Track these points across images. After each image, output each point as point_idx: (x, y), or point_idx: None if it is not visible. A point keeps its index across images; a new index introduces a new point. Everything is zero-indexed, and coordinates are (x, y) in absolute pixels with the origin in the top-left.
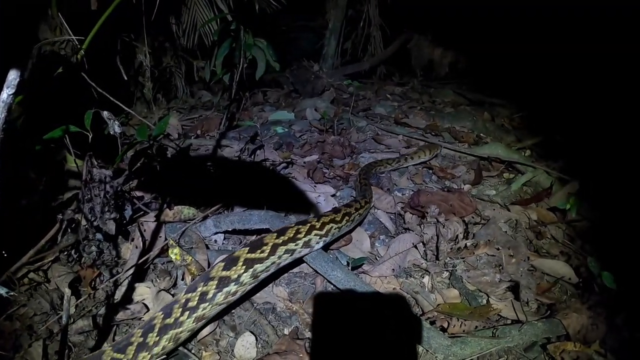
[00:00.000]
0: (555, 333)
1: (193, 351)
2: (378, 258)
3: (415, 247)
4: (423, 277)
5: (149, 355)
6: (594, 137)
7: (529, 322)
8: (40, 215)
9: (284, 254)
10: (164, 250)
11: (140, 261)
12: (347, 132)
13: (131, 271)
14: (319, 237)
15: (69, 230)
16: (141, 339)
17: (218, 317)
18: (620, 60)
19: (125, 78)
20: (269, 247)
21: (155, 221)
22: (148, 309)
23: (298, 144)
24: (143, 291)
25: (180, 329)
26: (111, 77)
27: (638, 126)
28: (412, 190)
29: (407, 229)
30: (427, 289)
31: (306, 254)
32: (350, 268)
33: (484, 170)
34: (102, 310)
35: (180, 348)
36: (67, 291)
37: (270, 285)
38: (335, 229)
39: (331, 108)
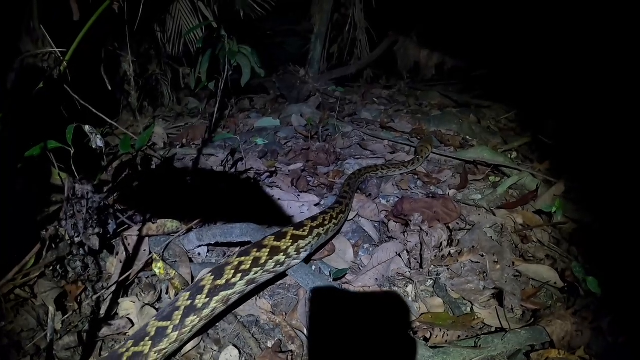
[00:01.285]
0: (539, 340)
1: None
2: (362, 268)
3: (399, 255)
4: (407, 286)
5: (198, 319)
6: (580, 137)
7: (513, 330)
8: (25, 230)
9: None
10: (149, 264)
11: (124, 276)
12: (333, 139)
13: (116, 286)
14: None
15: (54, 245)
16: (189, 302)
17: (202, 330)
18: (605, 61)
19: (110, 88)
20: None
21: (138, 235)
22: (133, 324)
23: (283, 151)
24: (128, 306)
25: (232, 291)
26: (96, 87)
27: (624, 127)
28: (397, 197)
29: (390, 238)
30: (410, 298)
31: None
32: (332, 279)
33: (470, 174)
34: (88, 326)
35: None
36: (52, 310)
37: (254, 297)
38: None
39: (317, 114)
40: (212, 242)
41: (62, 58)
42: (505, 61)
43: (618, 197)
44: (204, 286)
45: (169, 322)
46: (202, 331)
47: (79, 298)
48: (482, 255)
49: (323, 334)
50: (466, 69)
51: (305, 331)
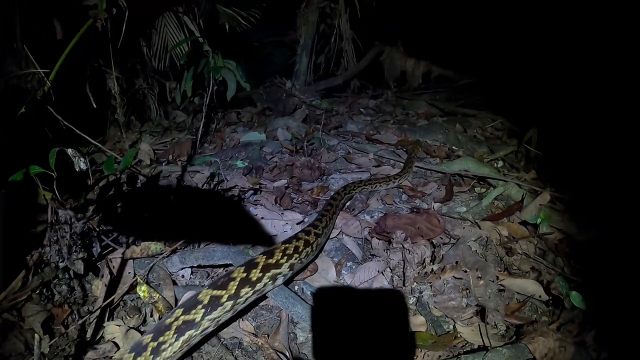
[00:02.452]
0: (521, 358)
1: None
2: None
3: (382, 273)
4: None
5: (252, 291)
6: (566, 146)
7: (494, 348)
8: (11, 252)
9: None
10: (133, 287)
11: (109, 300)
12: (318, 153)
13: (101, 310)
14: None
15: (39, 270)
16: (244, 274)
17: (186, 353)
18: (591, 70)
19: (95, 106)
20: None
21: (122, 258)
22: (118, 348)
23: (268, 167)
24: (113, 329)
25: (279, 270)
26: (81, 105)
27: (611, 136)
28: (382, 212)
29: (373, 256)
30: None
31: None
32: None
33: (455, 186)
34: (74, 350)
35: None
36: (37, 337)
37: (237, 319)
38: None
39: (303, 127)
40: (195, 265)
41: (45, 78)
42: (491, 70)
43: (604, 207)
44: (258, 262)
45: (224, 291)
46: (187, 354)
47: (65, 321)
48: (466, 271)
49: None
50: (453, 78)
51: (287, 354)
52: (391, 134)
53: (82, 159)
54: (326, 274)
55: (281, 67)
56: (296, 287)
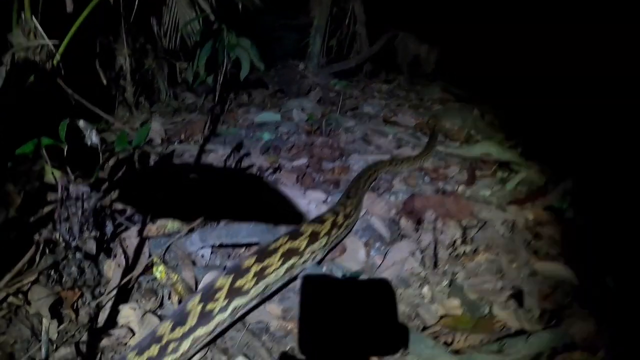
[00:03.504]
0: (561, 342)
1: None
2: (375, 268)
3: (412, 255)
4: (422, 287)
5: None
6: (587, 134)
7: (535, 332)
8: (17, 233)
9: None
10: (149, 268)
11: (123, 281)
12: (336, 133)
13: (114, 292)
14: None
15: (47, 250)
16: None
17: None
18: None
19: (105, 82)
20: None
21: (137, 236)
22: (134, 333)
23: (285, 147)
24: (127, 313)
25: (320, 244)
26: (90, 82)
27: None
28: (406, 194)
29: (403, 236)
30: (427, 300)
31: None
32: None
33: (477, 170)
34: (86, 336)
35: None
36: (45, 322)
37: (263, 303)
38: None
39: (318, 108)
40: (217, 244)
41: (54, 51)
42: (508, 56)
43: (628, 192)
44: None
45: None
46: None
47: (75, 305)
48: (498, 253)
49: (314, 322)
50: (466, 64)
51: None
52: (409, 117)
53: (93, 132)
54: (355, 254)
55: (292, 51)
56: (324, 268)
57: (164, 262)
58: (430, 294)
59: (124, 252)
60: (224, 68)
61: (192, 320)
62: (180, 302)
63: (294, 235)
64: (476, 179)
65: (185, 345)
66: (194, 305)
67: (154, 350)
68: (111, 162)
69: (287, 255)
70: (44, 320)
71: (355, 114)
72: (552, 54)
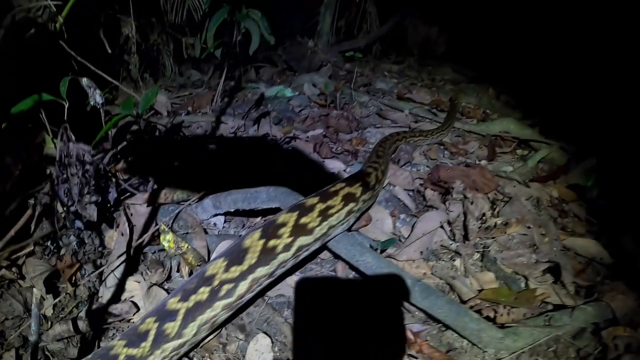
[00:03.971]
0: (603, 317)
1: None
2: (402, 239)
3: (442, 227)
4: (454, 260)
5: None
6: (609, 112)
7: (578, 306)
8: (15, 206)
9: None
10: (155, 237)
11: (127, 252)
12: (350, 107)
13: (117, 263)
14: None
15: (44, 218)
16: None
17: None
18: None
19: (110, 52)
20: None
21: (144, 204)
22: (138, 309)
23: (299, 118)
24: (132, 287)
25: (356, 205)
26: (94, 54)
27: None
28: (427, 167)
29: (430, 207)
30: (459, 273)
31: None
32: (379, 251)
33: (496, 147)
34: (84, 312)
35: None
36: (36, 292)
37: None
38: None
39: (330, 83)
40: (232, 210)
41: (57, 13)
42: (518, 42)
43: None
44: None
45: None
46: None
47: (73, 278)
48: (529, 227)
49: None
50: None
51: None
52: (423, 94)
53: (97, 91)
54: (381, 225)
55: (300, 29)
56: (357, 239)
57: (173, 231)
58: (463, 267)
59: (128, 220)
60: (235, 39)
61: (251, 258)
62: (191, 273)
63: (349, 182)
64: (496, 156)
65: (243, 287)
66: (254, 241)
67: (203, 293)
68: (113, 132)
69: (347, 199)
70: (35, 292)
71: (369, 90)
72: (564, 41)
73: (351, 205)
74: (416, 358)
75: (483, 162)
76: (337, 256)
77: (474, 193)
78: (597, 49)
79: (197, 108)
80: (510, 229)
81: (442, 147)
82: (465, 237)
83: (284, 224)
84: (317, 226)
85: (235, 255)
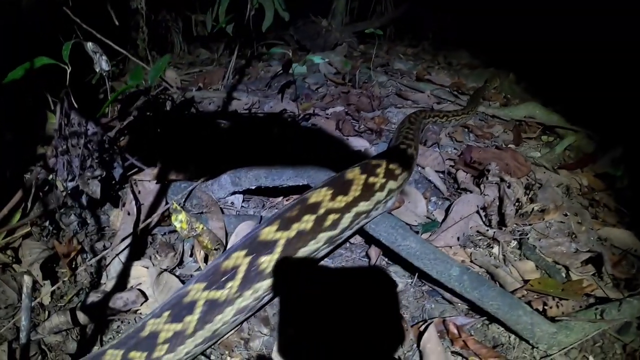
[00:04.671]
0: None
1: (213, 357)
2: (437, 223)
3: (478, 211)
4: (491, 247)
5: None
6: (635, 99)
7: (625, 299)
8: (15, 187)
9: None
10: (165, 218)
11: (134, 233)
12: (369, 86)
13: (122, 246)
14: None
15: (41, 194)
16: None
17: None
18: None
19: (117, 23)
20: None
21: (153, 180)
22: (146, 298)
23: (316, 96)
24: (139, 272)
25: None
26: (100, 27)
27: None
28: (454, 149)
29: (464, 190)
30: (497, 261)
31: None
32: (420, 235)
33: (521, 132)
34: (85, 301)
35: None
36: (27, 280)
37: None
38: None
39: (348, 62)
40: (253, 187)
41: None
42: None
43: None
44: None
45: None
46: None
47: (73, 263)
48: (566, 215)
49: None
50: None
51: None
52: (443, 76)
53: (104, 57)
54: (414, 207)
55: (312, 9)
56: (399, 221)
57: (185, 210)
58: (501, 255)
59: (135, 198)
60: (248, 13)
61: (355, 190)
62: (206, 258)
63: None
64: (522, 141)
65: (346, 220)
66: (356, 175)
67: (308, 222)
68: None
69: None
70: (26, 278)
71: (386, 70)
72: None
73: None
74: (460, 355)
75: (511, 147)
76: (372, 240)
77: (508, 177)
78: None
79: (208, 84)
80: (548, 215)
81: (466, 129)
82: (502, 223)
83: (379, 165)
84: (400, 174)
85: (340, 186)
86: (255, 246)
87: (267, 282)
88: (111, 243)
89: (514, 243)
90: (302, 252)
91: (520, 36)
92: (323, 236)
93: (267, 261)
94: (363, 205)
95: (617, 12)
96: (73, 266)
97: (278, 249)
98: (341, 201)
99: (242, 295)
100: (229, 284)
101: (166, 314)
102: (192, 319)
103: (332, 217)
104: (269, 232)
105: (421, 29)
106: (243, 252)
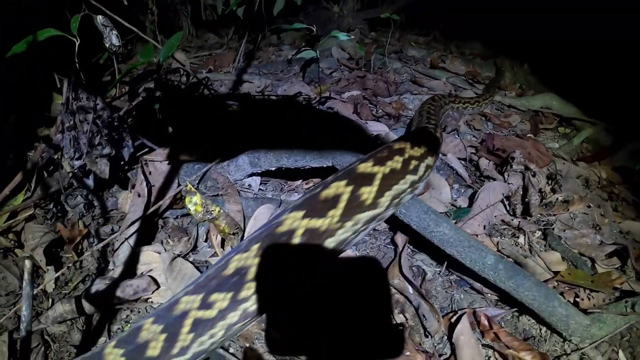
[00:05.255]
0: None
1: (232, 350)
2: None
3: (503, 200)
4: (517, 237)
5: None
6: None
7: None
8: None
9: None
10: (178, 200)
11: (144, 215)
12: (385, 72)
13: (132, 230)
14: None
15: (46, 175)
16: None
17: None
18: None
19: (126, 3)
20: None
21: (165, 160)
22: (158, 285)
23: (332, 79)
24: (150, 258)
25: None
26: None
27: None
28: (473, 136)
29: (487, 177)
30: (523, 251)
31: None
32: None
33: (538, 122)
34: (92, 288)
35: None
36: (28, 265)
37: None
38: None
39: (361, 46)
40: (273, 168)
41: None
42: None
43: None
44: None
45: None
46: None
47: (79, 247)
48: (590, 206)
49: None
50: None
51: (411, 294)
52: (458, 64)
53: (114, 32)
54: (439, 194)
55: None
56: (430, 207)
57: (200, 192)
58: (527, 245)
59: (146, 179)
60: None
61: (426, 145)
62: (223, 242)
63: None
64: (539, 131)
65: (421, 170)
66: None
67: (398, 162)
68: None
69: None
70: (27, 263)
71: (400, 57)
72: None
73: (425, 163)
74: (492, 347)
75: (529, 136)
76: (399, 227)
77: (533, 165)
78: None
79: (219, 67)
80: (572, 206)
81: (484, 118)
82: (526, 213)
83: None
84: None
85: (415, 138)
86: (355, 177)
87: (367, 215)
88: (119, 227)
89: (538, 233)
90: (395, 190)
91: (530, 35)
92: (408, 179)
93: (367, 192)
94: (428, 161)
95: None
96: (79, 251)
97: (377, 182)
98: (419, 151)
99: (344, 226)
100: (331, 212)
101: (255, 246)
102: (289, 251)
103: (413, 163)
104: (366, 167)
105: (431, 17)
106: (343, 182)
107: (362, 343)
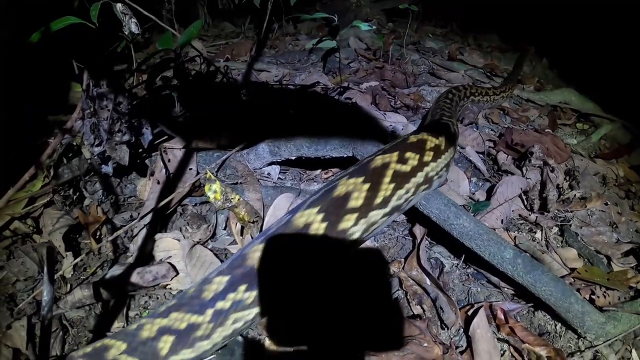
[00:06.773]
0: None
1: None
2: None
3: (521, 195)
4: (534, 232)
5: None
6: None
7: None
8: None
9: None
10: (197, 188)
11: (164, 202)
12: (403, 63)
13: (151, 217)
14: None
15: (65, 160)
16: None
17: None
18: None
19: None
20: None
21: (184, 148)
22: (177, 272)
23: (349, 70)
24: (168, 245)
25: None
26: None
27: None
28: (491, 130)
29: (505, 172)
30: (540, 247)
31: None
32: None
33: (556, 118)
34: (110, 274)
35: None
36: (44, 252)
37: None
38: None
39: (376, 38)
40: (293, 157)
41: None
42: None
43: None
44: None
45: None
46: None
47: (98, 234)
48: (607, 204)
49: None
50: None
51: (429, 286)
52: (476, 57)
53: (133, 19)
54: (457, 186)
55: None
56: (451, 199)
57: (219, 180)
58: (544, 240)
59: (165, 167)
60: None
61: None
62: (242, 230)
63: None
64: (557, 127)
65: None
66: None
67: (417, 154)
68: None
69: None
70: (47, 249)
71: (418, 48)
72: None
73: (443, 156)
74: (507, 342)
75: (547, 131)
76: (417, 219)
77: (552, 161)
78: None
79: (236, 56)
80: (590, 203)
81: (502, 112)
82: (543, 208)
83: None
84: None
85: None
86: (404, 146)
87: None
88: (138, 213)
89: (555, 229)
90: (412, 182)
91: (549, 28)
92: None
93: (413, 157)
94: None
95: None
96: (97, 237)
97: (391, 174)
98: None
99: (396, 193)
100: (385, 180)
101: (315, 210)
102: (350, 217)
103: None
104: (383, 159)
105: (449, 9)
106: (395, 154)
107: (364, 333)
